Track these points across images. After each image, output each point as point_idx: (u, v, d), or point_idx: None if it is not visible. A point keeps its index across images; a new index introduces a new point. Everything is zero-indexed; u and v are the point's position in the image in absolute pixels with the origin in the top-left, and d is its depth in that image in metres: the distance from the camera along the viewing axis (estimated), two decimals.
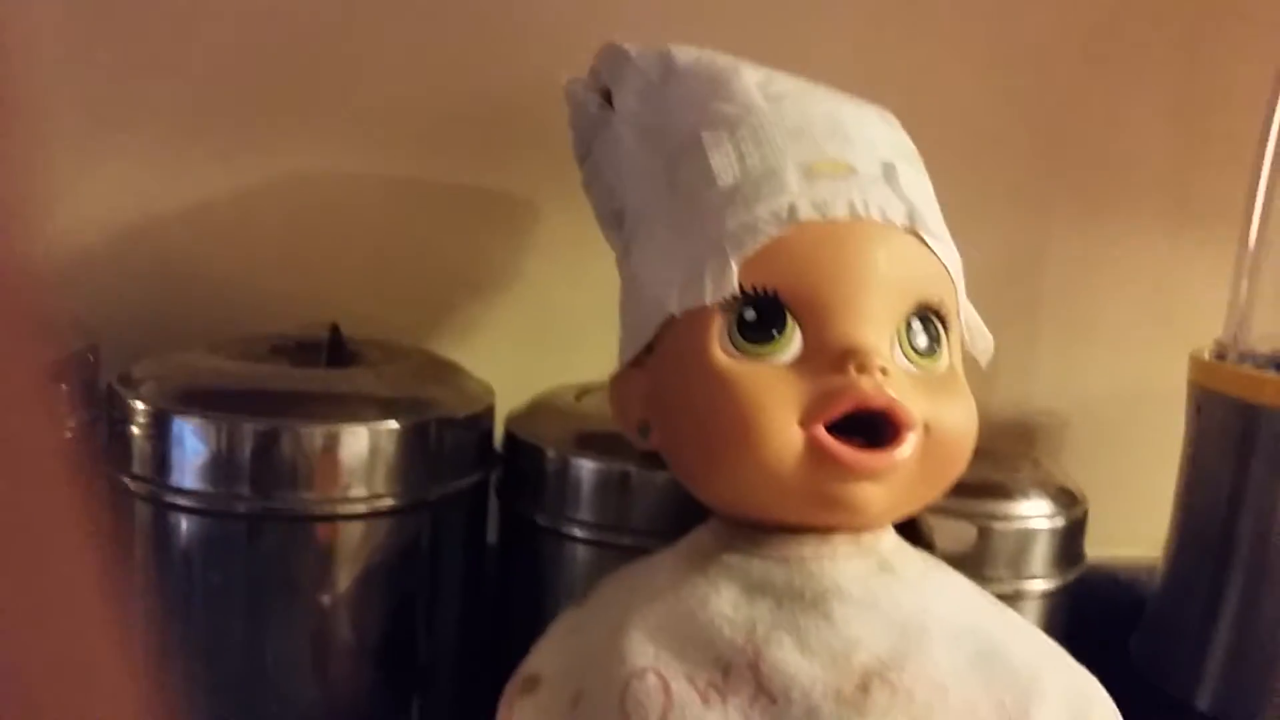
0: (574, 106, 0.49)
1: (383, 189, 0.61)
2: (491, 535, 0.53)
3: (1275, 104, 0.58)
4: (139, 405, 0.46)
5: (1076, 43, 0.65)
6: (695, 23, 0.47)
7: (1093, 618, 0.52)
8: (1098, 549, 0.54)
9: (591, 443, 0.50)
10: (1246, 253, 0.59)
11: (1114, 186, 0.67)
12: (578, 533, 0.49)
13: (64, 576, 0.20)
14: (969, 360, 0.42)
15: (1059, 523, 0.50)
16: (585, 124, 0.49)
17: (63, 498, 0.20)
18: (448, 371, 0.53)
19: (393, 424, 0.46)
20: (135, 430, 0.46)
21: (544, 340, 0.62)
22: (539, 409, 0.54)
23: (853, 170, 0.40)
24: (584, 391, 0.55)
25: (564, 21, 0.57)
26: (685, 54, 0.45)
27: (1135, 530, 0.61)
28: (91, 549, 0.20)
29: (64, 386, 0.47)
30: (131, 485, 0.46)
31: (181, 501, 0.45)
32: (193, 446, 0.44)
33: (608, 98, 0.47)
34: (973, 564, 0.47)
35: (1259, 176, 0.58)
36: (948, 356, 0.40)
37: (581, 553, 0.49)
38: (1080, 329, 0.67)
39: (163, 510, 0.45)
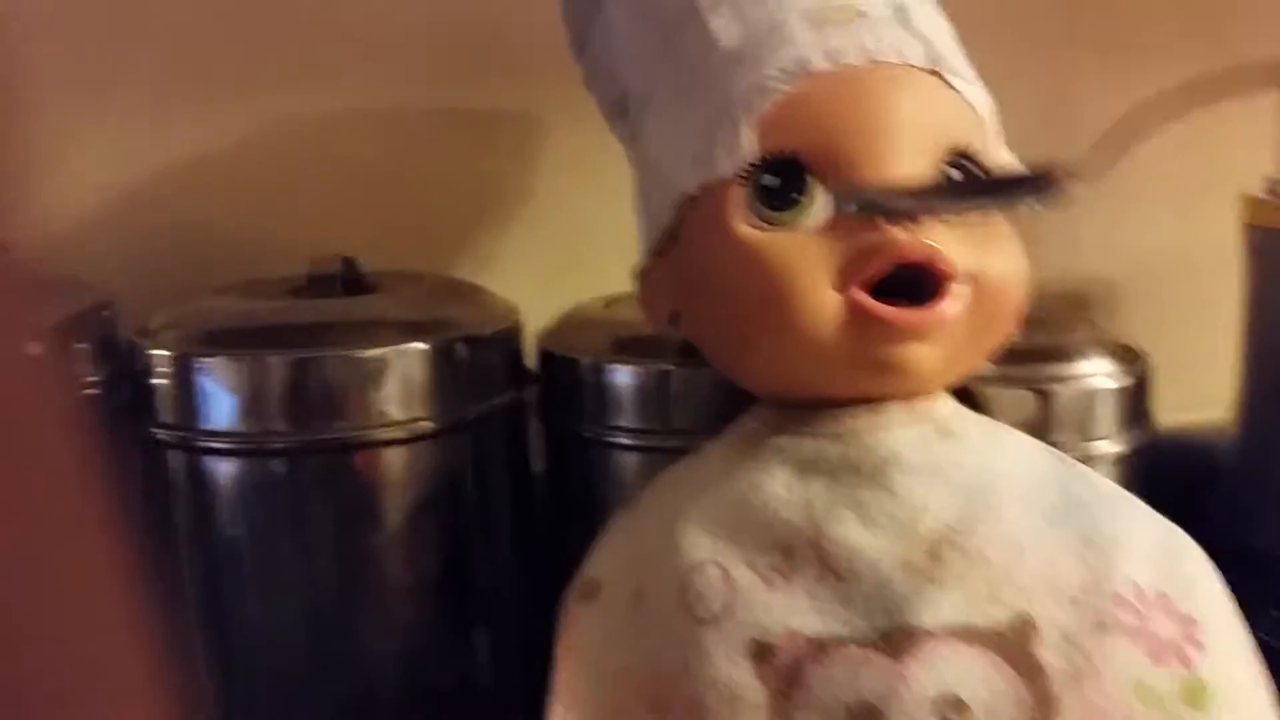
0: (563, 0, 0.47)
1: (381, 121, 0.59)
2: (538, 460, 0.52)
3: None
4: (162, 353, 0.45)
5: None
6: None
7: (1166, 483, 0.50)
8: (1163, 415, 0.51)
9: (627, 348, 0.48)
10: None
11: (1143, 32, 0.63)
12: (623, 440, 0.47)
13: (70, 559, 0.18)
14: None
15: (1123, 381, 0.48)
16: (577, 15, 0.47)
17: (67, 467, 0.18)
18: (469, 291, 0.52)
19: (420, 345, 0.45)
20: (160, 380, 0.45)
21: (565, 257, 0.60)
22: (569, 323, 0.52)
23: (861, 14, 0.37)
24: (613, 300, 0.54)
25: None
26: None
27: (1201, 392, 0.58)
28: (103, 526, 0.19)
29: (84, 345, 0.46)
30: (162, 435, 0.45)
31: (216, 444, 0.44)
32: (221, 388, 0.44)
33: None
34: (1035, 431, 0.45)
35: None
36: None
37: (629, 460, 0.48)
38: (1122, 184, 0.64)
39: (197, 456, 0.45)
